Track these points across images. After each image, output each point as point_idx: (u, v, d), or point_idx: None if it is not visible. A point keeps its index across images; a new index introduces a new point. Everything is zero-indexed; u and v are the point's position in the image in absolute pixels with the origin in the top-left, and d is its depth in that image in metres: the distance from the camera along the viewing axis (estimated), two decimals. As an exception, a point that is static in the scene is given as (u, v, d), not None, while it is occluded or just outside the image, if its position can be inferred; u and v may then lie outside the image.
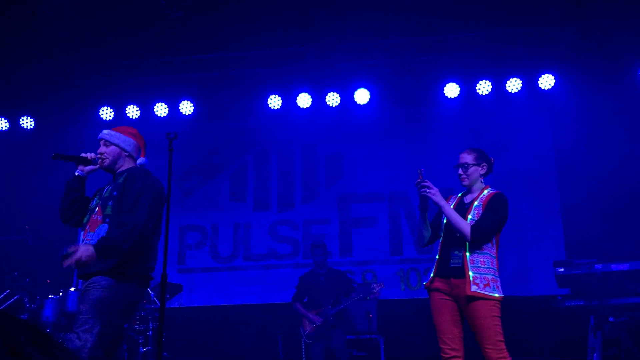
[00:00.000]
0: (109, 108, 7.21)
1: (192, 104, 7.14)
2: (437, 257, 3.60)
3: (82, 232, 3.26)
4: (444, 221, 3.62)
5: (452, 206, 3.63)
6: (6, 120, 7.29)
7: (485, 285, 3.37)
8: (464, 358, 3.44)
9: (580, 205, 6.70)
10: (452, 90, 6.77)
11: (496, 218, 3.49)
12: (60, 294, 5.75)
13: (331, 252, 6.92)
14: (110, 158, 3.40)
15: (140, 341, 5.82)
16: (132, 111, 7.19)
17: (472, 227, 3.44)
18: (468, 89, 6.81)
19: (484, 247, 3.46)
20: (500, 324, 3.39)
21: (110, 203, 3.19)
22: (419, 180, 3.55)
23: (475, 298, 3.36)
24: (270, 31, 6.29)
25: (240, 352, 6.76)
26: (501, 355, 3.33)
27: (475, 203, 3.57)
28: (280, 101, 7.08)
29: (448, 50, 6.48)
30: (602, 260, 5.26)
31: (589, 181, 6.67)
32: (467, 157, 3.72)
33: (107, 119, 7.22)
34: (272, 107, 7.09)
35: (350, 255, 7.23)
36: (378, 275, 7.09)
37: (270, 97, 7.04)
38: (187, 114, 7.16)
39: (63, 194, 3.38)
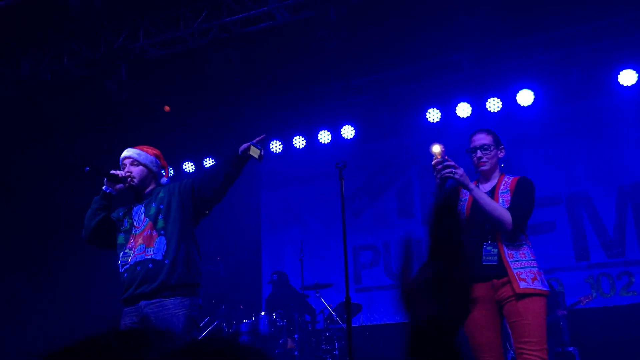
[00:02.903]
0: (277, 141, 7.68)
1: (353, 128, 7.36)
2: None
3: (125, 251, 3.17)
4: (464, 210, 3.09)
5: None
6: (192, 163, 8.10)
7: (533, 280, 2.91)
8: None
9: None
10: (628, 77, 6.20)
11: (529, 202, 3.03)
12: (253, 318, 6.18)
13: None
14: (138, 177, 3.29)
15: (328, 360, 6.04)
16: (299, 141, 7.60)
17: (512, 212, 2.94)
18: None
19: (520, 237, 2.99)
20: (546, 325, 2.94)
21: (161, 217, 3.17)
22: (438, 159, 2.95)
23: (524, 295, 2.89)
24: (422, 45, 6.29)
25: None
26: None
27: (501, 189, 3.09)
28: (439, 114, 7.02)
29: (621, 33, 5.93)
30: None
31: None
32: (487, 138, 3.18)
33: (276, 152, 7.71)
34: (431, 121, 7.06)
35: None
36: (564, 283, 6.64)
37: (429, 110, 7.02)
38: (349, 137, 7.39)
39: (90, 212, 3.25)
